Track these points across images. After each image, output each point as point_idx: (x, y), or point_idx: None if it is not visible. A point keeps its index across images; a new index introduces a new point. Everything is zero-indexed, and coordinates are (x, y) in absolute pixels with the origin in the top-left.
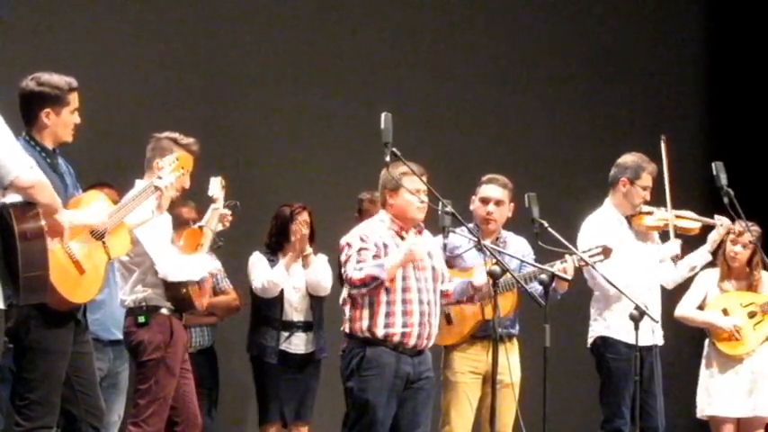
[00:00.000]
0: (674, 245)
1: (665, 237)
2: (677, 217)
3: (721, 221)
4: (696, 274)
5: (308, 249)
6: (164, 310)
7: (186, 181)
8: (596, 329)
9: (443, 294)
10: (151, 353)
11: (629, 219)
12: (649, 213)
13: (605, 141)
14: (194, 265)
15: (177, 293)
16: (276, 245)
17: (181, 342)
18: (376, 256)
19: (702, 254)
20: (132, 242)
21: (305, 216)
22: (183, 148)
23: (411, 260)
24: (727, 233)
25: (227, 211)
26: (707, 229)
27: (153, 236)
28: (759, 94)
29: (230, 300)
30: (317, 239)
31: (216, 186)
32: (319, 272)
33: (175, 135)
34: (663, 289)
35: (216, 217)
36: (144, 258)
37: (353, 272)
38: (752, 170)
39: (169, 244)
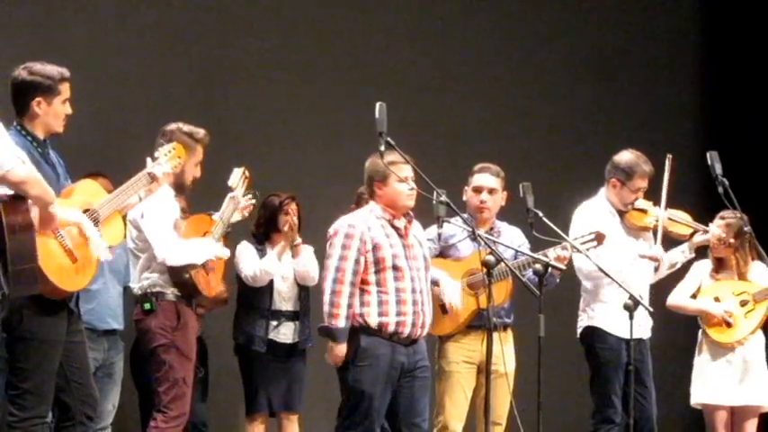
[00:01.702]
0: (657, 250)
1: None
2: (669, 220)
3: (712, 230)
4: (677, 267)
5: (298, 239)
6: (170, 297)
7: (197, 170)
8: (585, 320)
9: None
10: (159, 338)
11: (621, 213)
12: (643, 211)
13: (600, 131)
14: (194, 249)
15: (180, 278)
16: (263, 235)
17: (190, 327)
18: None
19: (684, 251)
20: (137, 229)
21: (294, 207)
22: (191, 139)
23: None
24: (718, 240)
25: (246, 201)
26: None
27: (152, 220)
28: (754, 86)
29: (221, 291)
30: (307, 229)
31: (236, 176)
32: (307, 262)
33: (186, 126)
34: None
35: (231, 206)
36: (148, 245)
37: (330, 295)
38: (747, 160)
39: (170, 229)
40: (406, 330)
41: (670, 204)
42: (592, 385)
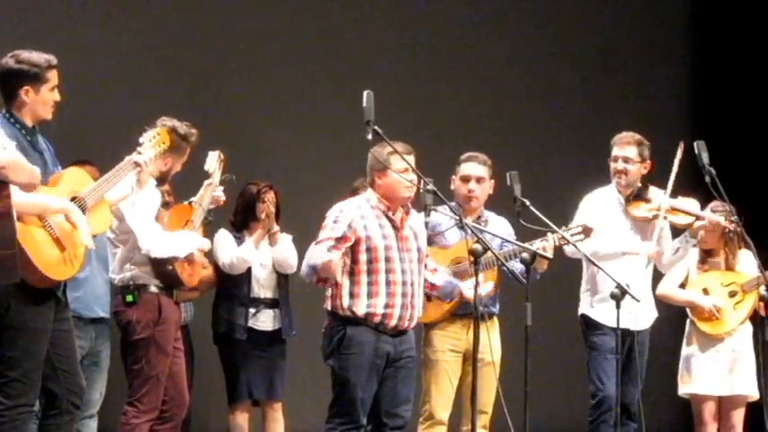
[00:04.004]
0: (644, 247)
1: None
2: (672, 210)
3: (711, 218)
4: (680, 253)
5: (276, 227)
6: (152, 288)
7: (177, 167)
8: (581, 307)
9: (429, 286)
10: (140, 332)
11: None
12: (647, 201)
13: (589, 121)
14: (178, 242)
15: (163, 270)
16: (241, 223)
17: (171, 320)
18: (341, 239)
19: (685, 236)
20: (119, 219)
21: (271, 195)
22: (184, 141)
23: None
24: (714, 227)
25: (221, 189)
26: None
27: (137, 212)
28: (745, 77)
29: (211, 274)
30: (291, 217)
31: (213, 160)
32: (286, 250)
33: (182, 128)
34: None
35: (209, 193)
36: (130, 235)
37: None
38: (734, 151)
39: (153, 220)
40: (393, 322)
41: (677, 193)
42: (588, 370)
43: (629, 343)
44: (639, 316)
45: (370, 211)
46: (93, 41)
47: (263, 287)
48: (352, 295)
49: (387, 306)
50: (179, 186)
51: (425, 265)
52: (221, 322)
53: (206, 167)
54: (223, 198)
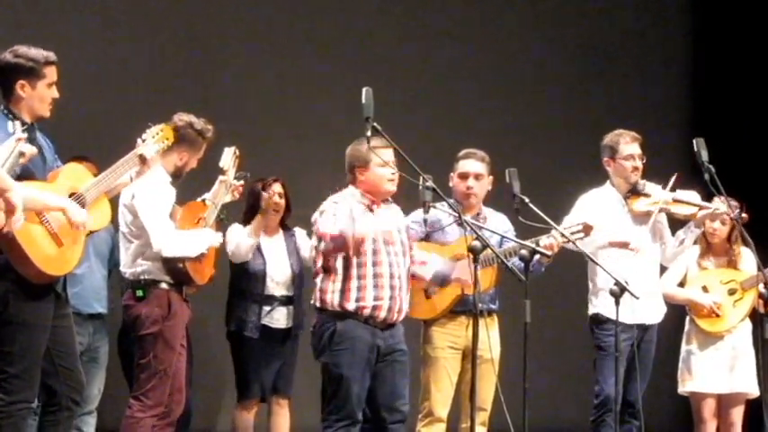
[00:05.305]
0: (629, 237)
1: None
2: (673, 201)
3: (717, 207)
4: (686, 244)
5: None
6: (162, 285)
7: (193, 163)
8: (592, 307)
9: (415, 276)
10: (149, 327)
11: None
12: (646, 195)
13: (589, 117)
14: (191, 241)
15: (174, 267)
16: (251, 219)
17: (180, 316)
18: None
19: (689, 226)
20: (133, 215)
21: (277, 187)
22: (201, 137)
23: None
24: (718, 217)
25: (238, 183)
26: None
27: (151, 209)
28: (741, 74)
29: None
30: (296, 214)
31: (228, 157)
32: (300, 244)
33: (198, 124)
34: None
35: (223, 189)
36: (143, 231)
37: (328, 226)
38: (733, 148)
39: (167, 218)
40: (382, 314)
41: (680, 187)
42: (595, 371)
43: (639, 338)
44: (653, 311)
45: (356, 205)
46: (94, 38)
47: (277, 285)
48: (342, 290)
49: (376, 299)
50: (189, 182)
51: (413, 259)
52: (234, 319)
53: (221, 164)
54: (240, 188)
